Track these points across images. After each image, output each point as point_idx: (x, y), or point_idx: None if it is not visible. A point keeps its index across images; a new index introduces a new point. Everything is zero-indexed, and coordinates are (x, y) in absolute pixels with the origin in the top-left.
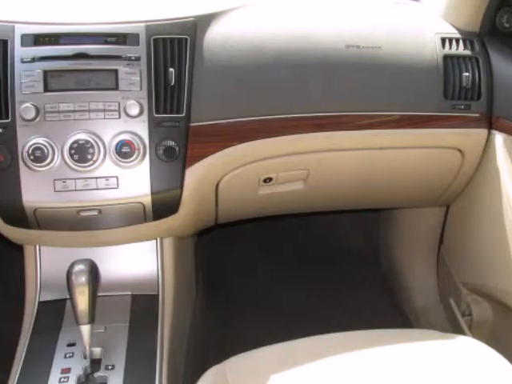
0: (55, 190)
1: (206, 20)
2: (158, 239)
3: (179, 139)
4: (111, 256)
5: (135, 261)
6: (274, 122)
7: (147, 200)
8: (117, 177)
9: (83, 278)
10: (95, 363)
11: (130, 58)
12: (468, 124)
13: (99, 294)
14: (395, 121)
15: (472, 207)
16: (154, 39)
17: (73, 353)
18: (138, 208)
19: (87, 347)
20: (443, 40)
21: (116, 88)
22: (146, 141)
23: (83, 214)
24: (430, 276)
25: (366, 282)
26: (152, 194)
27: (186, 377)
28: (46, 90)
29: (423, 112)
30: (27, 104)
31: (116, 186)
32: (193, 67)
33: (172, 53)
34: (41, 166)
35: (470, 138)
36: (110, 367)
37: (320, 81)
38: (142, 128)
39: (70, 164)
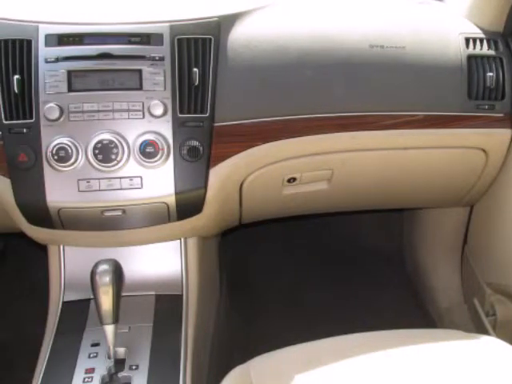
0: (79, 190)
1: (229, 20)
2: (182, 239)
3: (203, 139)
4: (135, 256)
5: (159, 261)
6: (297, 122)
7: (171, 200)
8: (141, 177)
9: (107, 278)
10: (119, 363)
11: (154, 58)
12: (492, 124)
13: (123, 294)
14: (419, 121)
15: (496, 207)
16: (178, 39)
17: (97, 353)
18: (161, 208)
19: (111, 347)
20: (467, 40)
21: (140, 88)
22: (170, 141)
23: (107, 214)
24: (454, 276)
25: (391, 283)
26: (176, 194)
27: (210, 377)
28: (70, 89)
29: (447, 112)
30: (51, 104)
31: (140, 186)
32: (217, 67)
33: (196, 53)
34: (65, 166)
35: (494, 138)
36: (134, 367)
37: (344, 81)
38: (166, 128)
39: (94, 164)
